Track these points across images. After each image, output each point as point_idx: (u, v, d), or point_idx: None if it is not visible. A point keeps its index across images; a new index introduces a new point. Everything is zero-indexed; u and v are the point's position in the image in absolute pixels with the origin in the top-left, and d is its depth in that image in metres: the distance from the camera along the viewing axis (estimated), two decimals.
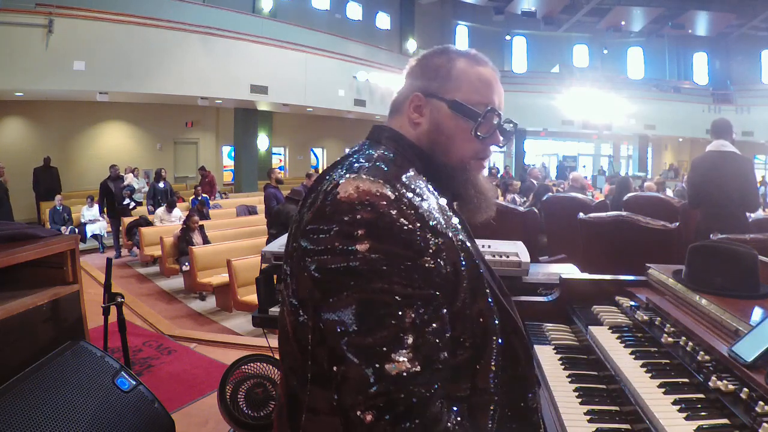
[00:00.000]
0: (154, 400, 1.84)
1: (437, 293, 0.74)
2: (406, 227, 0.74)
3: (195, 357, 3.73)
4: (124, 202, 8.98)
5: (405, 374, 0.68)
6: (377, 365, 0.68)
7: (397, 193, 0.76)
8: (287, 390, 0.86)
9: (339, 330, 0.70)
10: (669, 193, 8.11)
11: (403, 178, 0.81)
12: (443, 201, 0.87)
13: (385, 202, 0.74)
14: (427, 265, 0.74)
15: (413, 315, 0.71)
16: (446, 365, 0.74)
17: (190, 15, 11.45)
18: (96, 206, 9.46)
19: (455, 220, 0.86)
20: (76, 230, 8.97)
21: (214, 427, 2.72)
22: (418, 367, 0.69)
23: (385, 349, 0.68)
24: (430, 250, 0.75)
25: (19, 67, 8.60)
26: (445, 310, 0.75)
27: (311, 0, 17.41)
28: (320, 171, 17.99)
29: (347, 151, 0.95)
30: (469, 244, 0.84)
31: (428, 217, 0.77)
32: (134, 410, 1.76)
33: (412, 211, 0.76)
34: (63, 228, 8.89)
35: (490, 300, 0.83)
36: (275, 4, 15.27)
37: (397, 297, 0.70)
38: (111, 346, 2.53)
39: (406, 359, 0.68)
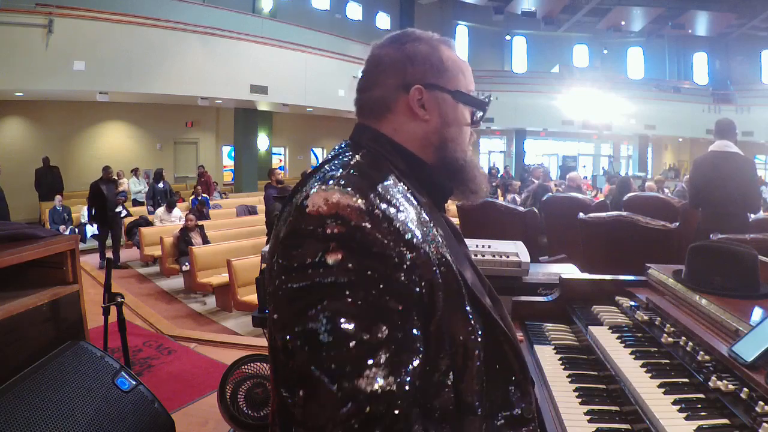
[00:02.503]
0: (154, 400, 1.84)
1: (411, 310, 0.71)
2: (378, 241, 0.70)
3: (195, 357, 3.73)
4: (117, 209, 8.01)
5: (379, 392, 0.65)
6: (349, 384, 0.64)
7: (370, 206, 0.72)
8: (277, 399, 0.84)
9: (306, 348, 0.66)
10: (666, 191, 8.11)
11: (379, 188, 0.76)
12: (424, 211, 0.82)
13: (356, 215, 0.70)
14: (400, 280, 0.70)
15: (386, 331, 0.67)
16: (422, 383, 0.71)
17: (190, 15, 11.47)
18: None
19: (436, 231, 0.81)
20: (76, 230, 8.97)
21: (214, 427, 2.72)
22: (393, 385, 0.66)
23: (357, 366, 0.65)
24: (405, 266, 0.71)
25: (19, 67, 8.61)
26: (416, 330, 0.71)
27: (311, 0, 17.43)
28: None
29: (326, 155, 0.90)
30: (449, 258, 0.79)
31: (403, 230, 0.73)
32: (134, 410, 1.76)
33: (386, 224, 0.71)
34: (63, 228, 8.89)
35: (470, 317, 0.80)
36: (275, 4, 15.28)
37: (369, 313, 0.67)
38: (111, 346, 2.53)
39: (379, 376, 0.65)
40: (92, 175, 12.65)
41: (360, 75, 0.97)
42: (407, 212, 0.76)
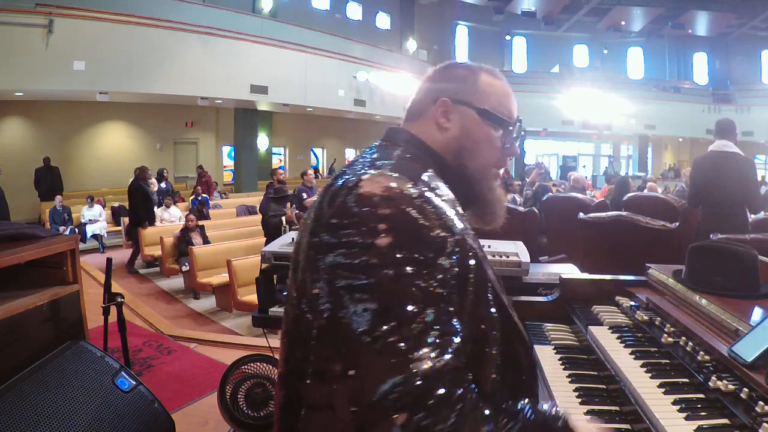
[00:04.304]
0: (154, 400, 1.84)
1: (452, 293, 0.74)
2: (426, 225, 0.74)
3: (195, 357, 3.73)
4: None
5: (432, 371, 0.67)
6: (402, 364, 0.66)
7: (418, 191, 0.77)
8: (286, 387, 0.85)
9: (357, 328, 0.68)
10: (659, 190, 8.12)
11: (424, 177, 0.83)
12: (458, 204, 0.88)
13: (406, 200, 0.75)
14: (444, 264, 0.74)
15: (433, 313, 0.70)
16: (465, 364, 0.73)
17: (190, 15, 11.46)
18: (96, 206, 9.46)
19: (467, 224, 0.87)
20: (76, 230, 8.97)
21: (214, 427, 2.72)
22: (442, 363, 0.68)
23: (408, 346, 0.67)
24: (447, 250, 0.75)
25: (19, 67, 8.61)
26: (456, 313, 0.74)
27: (311, 0, 17.43)
28: (319, 170, 18.01)
29: (360, 152, 0.96)
30: (478, 251, 0.84)
31: (447, 217, 0.78)
32: (134, 410, 1.76)
33: (432, 209, 0.76)
34: (63, 228, 8.89)
35: (492, 309, 0.83)
36: (275, 4, 15.28)
37: (417, 294, 0.70)
38: (111, 346, 2.53)
39: (430, 356, 0.67)
40: (92, 175, 12.76)
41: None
42: (448, 201, 0.83)
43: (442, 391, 0.66)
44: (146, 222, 7.77)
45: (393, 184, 0.76)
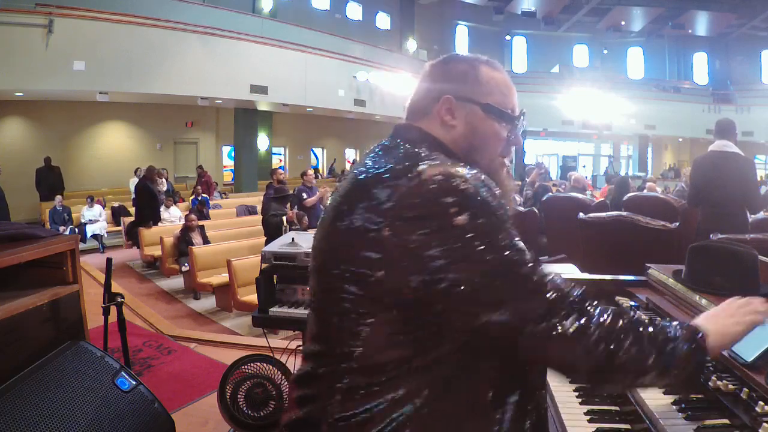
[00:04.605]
0: (154, 400, 1.84)
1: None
2: (489, 201, 0.82)
3: (195, 357, 3.73)
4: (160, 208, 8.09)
5: (564, 289, 0.82)
6: (540, 288, 0.80)
7: (477, 175, 0.83)
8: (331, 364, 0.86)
9: (484, 285, 0.78)
10: (659, 190, 8.13)
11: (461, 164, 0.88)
12: None
13: (471, 183, 0.81)
14: (509, 227, 0.84)
15: (529, 259, 0.82)
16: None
17: (190, 15, 11.46)
18: (96, 206, 9.46)
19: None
20: (76, 230, 8.97)
21: (214, 427, 2.72)
22: (564, 286, 0.83)
23: (537, 280, 0.81)
24: (507, 222, 0.84)
25: (19, 67, 8.61)
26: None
27: (311, 0, 17.42)
28: (319, 170, 17.99)
29: (377, 147, 0.97)
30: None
31: (498, 198, 0.85)
32: (134, 410, 1.76)
33: (491, 190, 0.83)
34: (63, 228, 8.89)
35: None
36: (275, 4, 15.27)
37: (518, 244, 0.82)
38: (111, 346, 2.53)
39: (554, 279, 0.82)
40: (92, 175, 12.76)
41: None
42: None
43: (582, 299, 0.84)
44: (150, 222, 7.76)
45: (455, 171, 0.82)
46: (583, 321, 0.79)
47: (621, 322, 0.82)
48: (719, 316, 0.92)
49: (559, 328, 0.78)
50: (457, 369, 0.82)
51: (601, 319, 0.81)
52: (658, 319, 0.90)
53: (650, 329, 0.82)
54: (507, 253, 0.80)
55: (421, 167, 0.82)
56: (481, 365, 0.83)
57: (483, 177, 0.85)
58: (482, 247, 0.79)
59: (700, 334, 0.84)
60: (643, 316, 0.87)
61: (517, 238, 0.83)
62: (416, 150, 0.89)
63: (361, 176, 0.88)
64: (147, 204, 7.82)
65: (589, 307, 0.82)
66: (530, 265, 0.82)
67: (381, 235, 0.80)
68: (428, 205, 0.79)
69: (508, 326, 0.79)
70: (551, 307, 0.79)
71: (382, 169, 0.86)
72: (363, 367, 0.83)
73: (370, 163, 0.90)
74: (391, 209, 0.80)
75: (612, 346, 0.79)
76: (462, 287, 0.78)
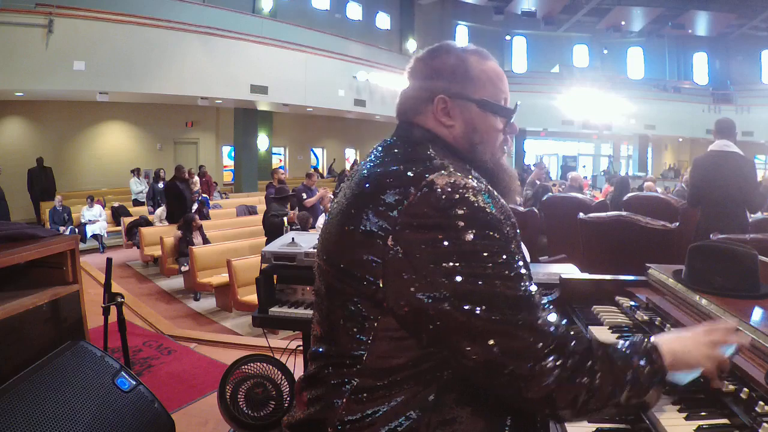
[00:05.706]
0: (154, 400, 1.84)
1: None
2: (497, 217, 0.81)
3: (195, 357, 3.73)
4: (194, 208, 7.75)
5: (554, 326, 0.79)
6: (530, 324, 0.77)
7: (481, 185, 0.83)
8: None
9: (476, 310, 0.76)
10: (659, 190, 8.15)
11: (473, 172, 0.89)
12: None
13: (477, 194, 0.81)
14: (513, 248, 0.82)
15: (528, 285, 0.81)
16: None
17: (190, 15, 11.45)
18: (96, 206, 9.45)
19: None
20: (76, 230, 8.97)
21: (214, 427, 2.72)
22: (557, 321, 0.81)
23: (529, 313, 0.78)
24: (513, 241, 0.83)
25: (19, 67, 8.60)
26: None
27: (311, 0, 17.42)
28: (319, 170, 17.99)
29: (381, 146, 0.96)
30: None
31: (505, 207, 0.85)
32: (134, 410, 1.76)
33: (498, 202, 0.83)
34: (63, 228, 8.89)
35: None
36: (275, 4, 15.26)
37: (518, 269, 0.80)
38: (111, 346, 2.53)
39: (545, 316, 0.79)
40: (92, 175, 12.76)
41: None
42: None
43: (572, 336, 0.82)
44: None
45: (462, 182, 0.81)
46: (564, 370, 0.77)
47: (596, 365, 0.80)
48: (687, 344, 0.90)
49: (541, 376, 0.76)
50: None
51: (580, 366, 0.78)
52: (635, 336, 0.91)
53: (619, 363, 0.81)
54: (506, 274, 0.79)
55: (432, 176, 0.81)
56: None
57: (491, 190, 0.84)
58: (481, 267, 0.77)
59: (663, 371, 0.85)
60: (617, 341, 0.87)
61: (520, 261, 0.82)
62: (425, 152, 0.89)
63: (369, 179, 0.87)
64: (175, 204, 7.66)
65: (569, 347, 0.79)
66: (527, 295, 0.79)
67: (386, 242, 0.80)
68: (436, 217, 0.78)
69: (492, 362, 0.77)
70: (539, 351, 0.77)
71: (391, 172, 0.85)
72: (369, 369, 0.82)
73: (377, 165, 0.89)
74: (399, 217, 0.80)
75: (586, 397, 0.78)
76: (449, 307, 0.77)
